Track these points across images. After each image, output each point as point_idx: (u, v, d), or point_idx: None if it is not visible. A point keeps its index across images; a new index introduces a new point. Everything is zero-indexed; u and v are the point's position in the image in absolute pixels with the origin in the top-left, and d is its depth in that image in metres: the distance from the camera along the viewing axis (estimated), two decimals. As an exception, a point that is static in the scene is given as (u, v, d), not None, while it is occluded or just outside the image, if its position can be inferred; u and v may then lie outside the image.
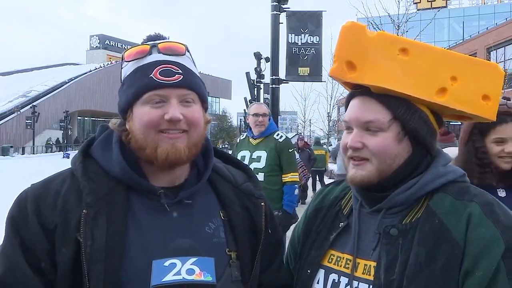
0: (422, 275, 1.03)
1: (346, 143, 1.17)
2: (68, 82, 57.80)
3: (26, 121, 45.82)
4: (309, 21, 9.03)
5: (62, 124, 52.21)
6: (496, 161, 2.03)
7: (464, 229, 1.04)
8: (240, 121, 38.29)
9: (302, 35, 8.98)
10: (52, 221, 1.04)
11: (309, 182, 13.40)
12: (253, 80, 15.50)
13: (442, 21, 46.07)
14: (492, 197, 1.11)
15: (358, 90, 1.18)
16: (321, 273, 1.22)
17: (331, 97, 31.68)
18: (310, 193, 12.48)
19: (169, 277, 1.04)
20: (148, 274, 1.05)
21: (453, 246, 1.03)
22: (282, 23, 8.73)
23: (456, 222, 1.05)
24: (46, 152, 47.08)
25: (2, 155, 38.28)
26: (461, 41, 34.63)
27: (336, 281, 1.18)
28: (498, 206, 1.08)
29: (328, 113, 33.22)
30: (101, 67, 64.97)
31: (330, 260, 1.22)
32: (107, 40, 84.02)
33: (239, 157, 4.39)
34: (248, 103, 15.41)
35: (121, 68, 1.20)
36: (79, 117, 62.01)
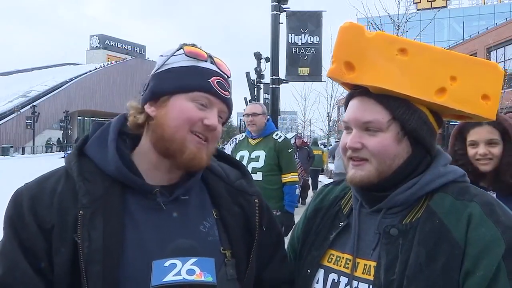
0: (422, 275, 1.02)
1: (346, 144, 1.17)
2: (68, 82, 57.83)
3: (26, 121, 45.86)
4: (309, 21, 9.04)
5: (62, 124, 52.23)
6: (475, 163, 2.07)
7: (464, 229, 1.04)
8: (240, 121, 38.27)
9: (302, 35, 8.99)
10: (49, 221, 1.04)
11: (310, 182, 13.41)
12: (253, 80, 15.50)
13: (442, 21, 46.06)
14: (492, 197, 1.11)
15: (357, 91, 1.18)
16: (320, 273, 1.22)
17: (331, 97, 31.67)
18: (310, 192, 12.46)
19: (169, 278, 1.04)
20: (146, 274, 1.05)
21: (453, 246, 1.03)
22: (282, 23, 8.73)
23: (456, 222, 1.05)
24: (46, 152, 47.10)
25: (2, 155, 38.29)
26: (461, 41, 34.62)
27: (336, 281, 1.18)
28: (498, 206, 1.08)
29: (328, 113, 33.21)
30: (101, 67, 64.98)
31: (329, 260, 1.22)
32: (107, 40, 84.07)
33: (238, 157, 4.39)
34: (248, 103, 15.41)
35: (168, 56, 1.18)
36: (79, 117, 62.06)
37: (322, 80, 10.25)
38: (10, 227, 1.05)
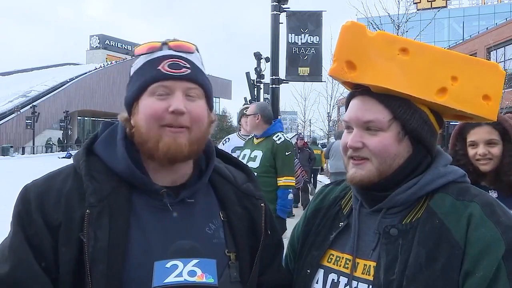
0: (422, 276, 1.02)
1: (346, 143, 1.17)
2: (68, 82, 57.81)
3: (26, 121, 45.83)
4: (309, 21, 9.02)
5: (62, 124, 52.23)
6: (475, 163, 2.09)
7: (464, 229, 1.04)
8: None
9: (302, 35, 8.97)
10: (56, 219, 1.04)
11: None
12: (253, 80, 15.51)
13: (442, 21, 46.05)
14: (493, 198, 1.11)
15: (358, 90, 1.17)
16: (320, 273, 1.22)
17: (331, 97, 31.68)
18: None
19: (171, 279, 1.04)
20: (149, 274, 1.05)
21: (453, 247, 1.03)
22: (282, 23, 8.72)
23: (457, 223, 1.05)
24: (46, 152, 47.08)
25: (2, 155, 38.28)
26: (461, 41, 34.62)
27: (336, 281, 1.18)
28: (498, 206, 1.08)
29: (328, 113, 33.21)
30: (101, 67, 64.97)
31: (329, 260, 1.22)
32: (107, 40, 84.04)
33: (241, 155, 4.40)
34: (248, 103, 15.41)
35: (131, 65, 1.20)
36: (79, 117, 62.02)
37: (322, 80, 10.24)
38: (18, 223, 1.06)
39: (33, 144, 46.60)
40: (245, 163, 4.49)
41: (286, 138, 4.41)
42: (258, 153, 4.28)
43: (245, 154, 4.40)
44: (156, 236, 1.09)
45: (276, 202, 4.18)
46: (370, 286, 1.10)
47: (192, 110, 1.11)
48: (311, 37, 9.01)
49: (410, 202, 1.14)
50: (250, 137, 4.66)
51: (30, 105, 47.18)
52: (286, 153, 4.27)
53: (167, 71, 1.11)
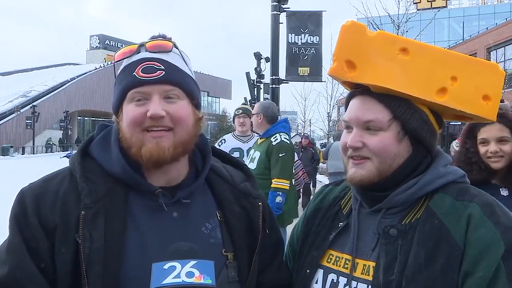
0: (421, 276, 1.02)
1: (346, 143, 1.17)
2: (68, 82, 57.80)
3: (26, 121, 45.84)
4: (309, 21, 9.03)
5: (62, 124, 52.26)
6: (486, 161, 2.10)
7: (464, 229, 1.04)
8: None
9: (302, 35, 8.98)
10: (52, 221, 1.04)
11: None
12: (253, 80, 15.50)
13: (442, 21, 46.05)
14: (492, 198, 1.11)
15: (358, 90, 1.17)
16: (319, 273, 1.22)
17: (331, 97, 31.71)
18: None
19: (169, 280, 1.04)
20: (146, 276, 1.05)
21: (453, 247, 1.03)
22: (282, 23, 8.74)
23: (456, 223, 1.05)
24: (46, 152, 47.08)
25: (2, 155, 38.28)
26: (461, 41, 34.62)
27: (335, 281, 1.18)
28: (498, 206, 1.08)
29: (328, 113, 33.23)
30: (101, 67, 64.98)
31: (329, 260, 1.22)
32: (107, 40, 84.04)
33: (248, 154, 4.41)
34: (248, 103, 15.40)
35: (114, 69, 1.20)
36: (79, 117, 62.04)
37: (322, 80, 10.25)
38: (15, 226, 1.06)
39: (33, 144, 46.60)
40: (247, 162, 4.34)
41: (283, 139, 4.23)
42: (257, 154, 4.23)
43: (250, 155, 4.36)
44: (153, 237, 1.09)
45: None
46: (369, 286, 1.10)
47: (173, 112, 1.10)
48: (311, 37, 9.02)
49: (410, 202, 1.14)
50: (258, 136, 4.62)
51: (30, 105, 47.20)
52: (280, 155, 4.11)
53: (141, 76, 1.10)
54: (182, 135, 1.13)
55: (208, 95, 76.04)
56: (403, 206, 1.15)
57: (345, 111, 1.23)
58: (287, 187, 4.14)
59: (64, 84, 57.24)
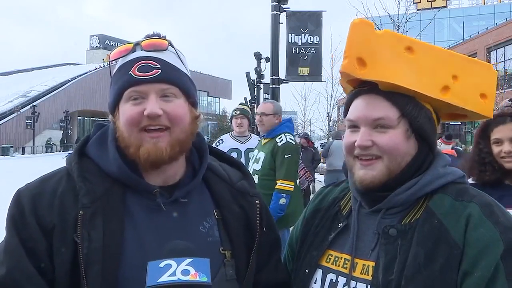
0: (421, 276, 1.02)
1: (351, 142, 1.16)
2: (68, 82, 57.80)
3: (26, 121, 45.83)
4: (309, 21, 9.02)
5: (62, 124, 52.27)
6: (500, 161, 2.10)
7: (463, 229, 1.04)
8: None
9: (302, 35, 8.97)
10: (50, 221, 1.04)
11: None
12: (253, 80, 15.51)
13: (442, 21, 46.03)
14: (491, 198, 1.11)
15: (364, 88, 1.17)
16: (318, 273, 1.22)
17: (331, 97, 31.68)
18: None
19: (164, 278, 1.04)
20: (144, 274, 1.05)
21: (452, 247, 1.03)
22: (282, 23, 8.72)
23: (455, 223, 1.05)
24: (46, 152, 47.08)
25: (2, 155, 38.28)
26: (461, 41, 34.63)
27: (334, 281, 1.18)
28: (497, 207, 1.08)
29: (328, 113, 33.22)
30: (101, 67, 64.95)
31: (328, 260, 1.22)
32: (107, 40, 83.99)
33: (251, 155, 4.35)
34: (248, 103, 15.41)
35: (110, 68, 1.20)
36: (79, 117, 62.07)
37: (322, 80, 10.24)
38: (13, 226, 1.06)
39: (33, 144, 46.60)
40: (251, 164, 4.26)
41: (289, 139, 4.14)
42: (261, 155, 4.15)
43: (253, 155, 4.29)
44: (151, 236, 1.09)
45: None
46: (369, 286, 1.10)
47: (169, 111, 1.10)
48: (311, 37, 9.00)
49: (410, 202, 1.14)
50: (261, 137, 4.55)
51: (30, 105, 47.19)
52: (286, 156, 4.04)
53: (137, 75, 1.10)
54: (179, 134, 1.13)
55: (208, 95, 76.06)
56: (402, 206, 1.15)
57: (345, 111, 1.22)
58: (292, 189, 4.08)
59: (64, 84, 57.24)
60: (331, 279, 1.19)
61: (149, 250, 1.08)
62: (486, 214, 1.05)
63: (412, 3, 21.92)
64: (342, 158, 9.75)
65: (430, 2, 44.89)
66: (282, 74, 9.09)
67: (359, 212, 1.21)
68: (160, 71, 1.11)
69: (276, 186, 4.02)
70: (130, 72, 1.11)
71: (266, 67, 13.84)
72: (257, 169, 4.08)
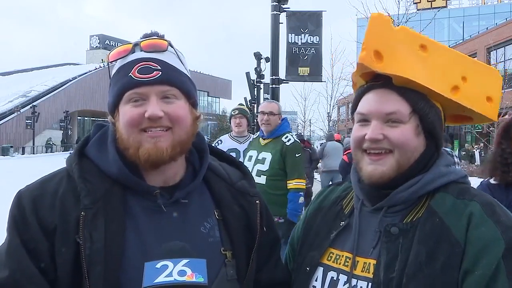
0: (422, 274, 1.03)
1: (361, 136, 1.16)
2: (68, 82, 57.80)
3: (26, 121, 45.80)
4: (309, 21, 9.02)
5: (62, 124, 52.24)
6: None
7: (464, 228, 1.04)
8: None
9: (302, 35, 8.97)
10: (51, 222, 1.04)
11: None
12: (253, 80, 15.51)
13: (442, 21, 46.06)
14: (493, 198, 1.12)
15: (377, 83, 1.18)
16: (319, 271, 1.22)
17: (331, 97, 31.70)
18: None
19: (161, 279, 1.05)
20: (142, 275, 1.05)
21: (453, 245, 1.03)
22: (282, 23, 8.72)
23: (457, 221, 1.05)
24: (46, 152, 47.08)
25: (2, 155, 38.27)
26: (461, 41, 34.62)
27: (335, 278, 1.18)
28: (498, 206, 1.08)
29: (328, 113, 33.24)
30: (101, 67, 64.98)
31: (329, 258, 1.22)
32: (107, 40, 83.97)
33: (247, 157, 4.19)
34: (248, 103, 15.41)
35: (109, 69, 1.20)
36: (79, 117, 62.07)
37: (322, 80, 10.25)
38: (14, 228, 1.06)
39: (33, 144, 46.59)
40: (252, 165, 4.24)
41: (295, 139, 4.21)
42: (267, 155, 4.07)
43: (251, 156, 4.19)
44: (152, 237, 1.09)
45: (287, 205, 4.02)
46: (370, 284, 1.10)
47: (171, 112, 1.10)
48: (311, 37, 9.00)
49: (412, 201, 1.14)
50: (255, 136, 4.44)
51: (30, 105, 47.15)
52: (296, 155, 4.08)
53: (138, 77, 1.09)
54: (181, 135, 1.13)
55: (208, 95, 76.04)
56: (404, 204, 1.15)
57: (354, 106, 1.22)
58: (305, 187, 4.16)
59: (64, 84, 57.19)
60: (332, 277, 1.19)
61: (150, 251, 1.08)
62: (488, 213, 1.05)
63: (412, 3, 21.94)
64: (337, 158, 9.95)
65: (430, 2, 44.90)
66: (282, 74, 9.09)
67: (361, 211, 1.21)
68: (160, 73, 1.10)
69: (292, 186, 4.03)
70: (130, 74, 1.10)
71: (266, 67, 13.83)
72: (264, 170, 4.02)
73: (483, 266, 0.99)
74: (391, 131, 1.13)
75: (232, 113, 5.09)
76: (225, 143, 4.96)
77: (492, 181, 2.28)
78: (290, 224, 3.91)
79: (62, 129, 52.84)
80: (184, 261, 1.08)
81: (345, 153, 8.63)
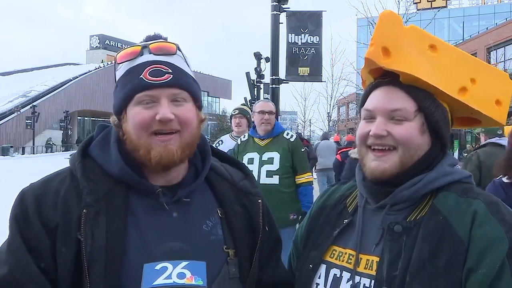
0: (425, 272, 1.02)
1: (366, 132, 1.17)
2: (68, 82, 57.78)
3: (26, 121, 45.81)
4: (309, 21, 9.02)
5: (62, 124, 52.26)
6: None
7: (468, 226, 1.04)
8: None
9: (302, 35, 8.97)
10: (53, 220, 1.04)
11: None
12: (253, 80, 15.50)
13: (442, 21, 46.05)
14: (496, 197, 1.12)
15: (385, 80, 1.19)
16: (322, 268, 1.22)
17: (331, 97, 31.74)
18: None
19: (160, 281, 1.05)
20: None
21: (457, 243, 1.03)
22: (282, 23, 8.72)
23: (461, 220, 1.05)
24: (46, 152, 47.08)
25: (2, 155, 38.28)
26: (461, 41, 34.62)
27: (338, 276, 1.18)
28: (503, 205, 1.08)
29: (328, 113, 33.27)
30: (101, 67, 64.99)
31: (332, 256, 1.23)
32: (107, 40, 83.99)
33: (245, 160, 4.06)
34: (248, 103, 15.41)
35: (115, 70, 1.20)
36: (79, 117, 62.04)
37: (322, 80, 10.25)
38: (16, 226, 1.06)
39: (33, 144, 46.60)
40: (257, 167, 4.25)
41: (295, 134, 4.29)
42: (274, 155, 4.00)
43: (252, 158, 4.05)
44: (153, 236, 1.10)
45: (298, 201, 4.04)
46: (373, 281, 1.10)
47: (180, 115, 1.12)
48: (311, 37, 9.01)
49: (415, 199, 1.14)
50: (244, 139, 4.24)
51: (30, 105, 47.15)
52: (302, 150, 4.15)
53: (149, 80, 1.10)
54: (188, 137, 1.14)
55: (208, 95, 76.01)
56: (408, 203, 1.15)
57: (362, 102, 1.23)
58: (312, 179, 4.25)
59: (64, 84, 57.16)
60: (335, 274, 1.19)
61: (151, 249, 1.08)
62: (492, 212, 1.05)
63: (412, 3, 21.95)
64: (330, 157, 10.07)
65: (430, 2, 44.93)
66: (282, 74, 9.10)
67: (365, 209, 1.22)
68: (171, 76, 1.12)
69: (304, 180, 4.09)
70: (142, 76, 1.11)
71: (266, 67, 13.82)
72: (275, 170, 3.96)
73: (487, 265, 0.99)
74: (395, 128, 1.14)
75: (232, 113, 5.09)
76: (226, 143, 4.93)
77: (505, 179, 2.29)
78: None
79: (62, 129, 52.84)
80: (184, 263, 1.08)
81: (338, 152, 8.72)
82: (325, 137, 12.31)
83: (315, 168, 11.20)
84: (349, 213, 1.26)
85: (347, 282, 1.15)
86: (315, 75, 9.27)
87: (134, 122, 1.11)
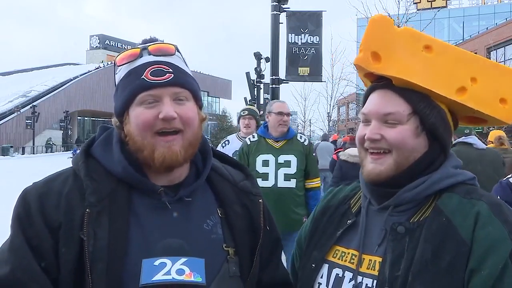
0: (428, 272, 1.02)
1: (363, 135, 1.18)
2: (68, 82, 57.81)
3: (26, 121, 45.85)
4: (309, 21, 9.03)
5: (62, 124, 52.32)
6: None
7: (471, 227, 1.04)
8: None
9: (302, 35, 8.98)
10: (56, 220, 1.05)
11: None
12: (253, 80, 15.51)
13: (442, 21, 46.08)
14: (499, 198, 1.12)
15: (379, 83, 1.19)
16: (325, 268, 1.23)
17: (331, 97, 31.76)
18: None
19: (159, 277, 1.05)
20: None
21: (460, 244, 1.03)
22: (282, 23, 8.73)
23: (464, 221, 1.05)
24: (46, 152, 47.10)
25: (2, 155, 38.31)
26: (461, 41, 34.63)
27: (340, 275, 1.18)
28: (506, 206, 1.08)
29: (328, 113, 33.29)
30: (101, 67, 65.01)
31: (335, 255, 1.23)
32: (107, 40, 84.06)
33: (259, 162, 3.90)
34: (248, 103, 15.41)
35: (115, 73, 1.22)
36: (79, 117, 62.08)
37: (322, 80, 10.26)
38: (18, 225, 1.06)
39: (33, 144, 46.63)
40: (274, 169, 4.00)
41: (307, 138, 4.24)
42: (291, 158, 3.90)
43: (267, 160, 3.89)
44: (154, 234, 1.10)
45: (308, 204, 3.97)
46: (375, 281, 1.10)
47: (183, 113, 1.13)
48: (311, 37, 9.01)
49: (418, 200, 1.14)
50: (254, 139, 4.06)
51: (30, 105, 47.19)
52: (313, 154, 4.13)
53: (151, 79, 1.12)
54: (190, 137, 1.16)
55: (208, 95, 76.04)
56: (411, 204, 1.15)
57: (362, 105, 1.24)
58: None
59: (64, 84, 57.21)
60: (337, 274, 1.19)
61: (150, 247, 1.09)
62: (495, 213, 1.05)
63: (412, 3, 21.96)
64: (327, 158, 10.10)
65: (430, 2, 44.93)
66: (282, 74, 9.10)
67: (368, 209, 1.22)
68: (172, 75, 1.14)
69: (315, 185, 4.05)
70: (143, 76, 1.12)
71: (266, 67, 13.85)
72: (293, 173, 3.88)
73: (489, 266, 0.98)
74: (388, 131, 1.14)
75: (241, 113, 4.99)
76: (233, 143, 4.81)
77: None
78: None
79: (62, 129, 52.90)
80: (183, 259, 1.08)
81: (335, 152, 8.73)
82: (324, 138, 12.38)
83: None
84: (353, 214, 1.26)
85: (349, 282, 1.15)
86: (315, 75, 9.27)
87: (138, 122, 1.12)
